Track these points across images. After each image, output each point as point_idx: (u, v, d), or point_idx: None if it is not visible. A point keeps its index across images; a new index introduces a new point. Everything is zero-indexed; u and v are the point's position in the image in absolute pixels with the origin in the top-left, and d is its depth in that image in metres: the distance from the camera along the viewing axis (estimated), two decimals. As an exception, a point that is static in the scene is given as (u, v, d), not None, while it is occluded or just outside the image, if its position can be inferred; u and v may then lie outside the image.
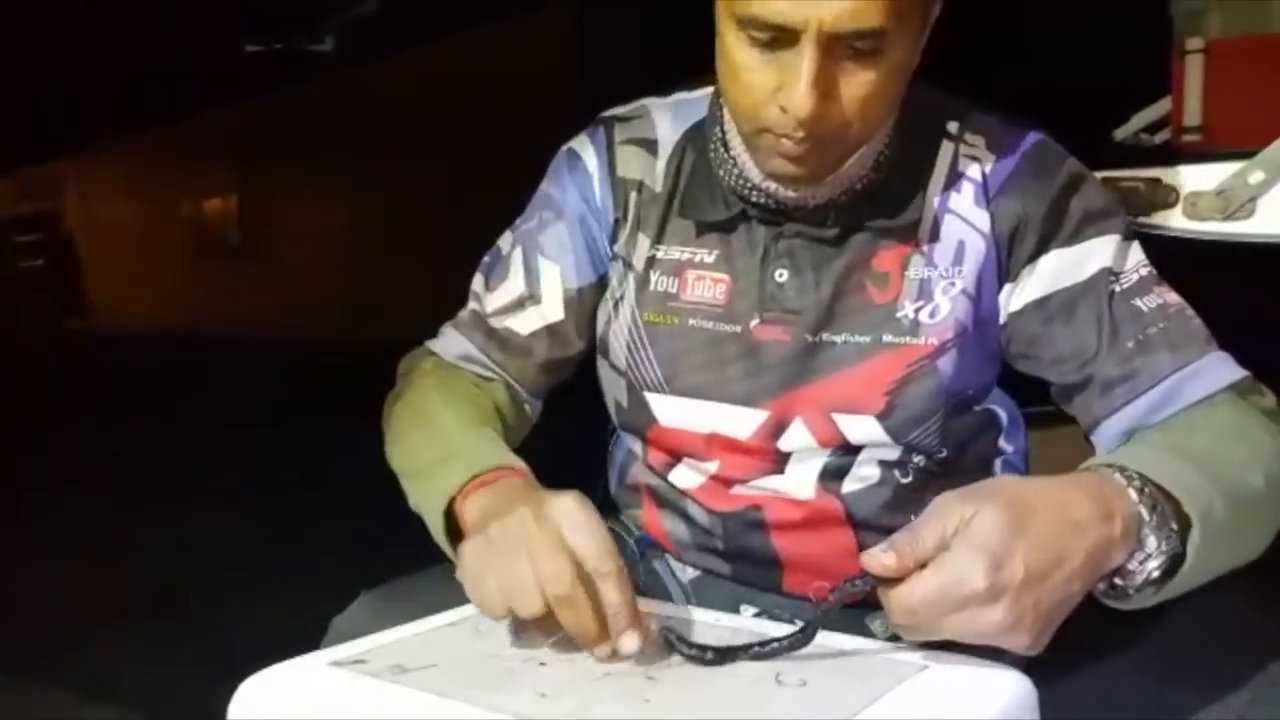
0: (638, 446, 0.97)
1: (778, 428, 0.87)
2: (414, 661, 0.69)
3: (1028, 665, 0.71)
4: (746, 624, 0.80)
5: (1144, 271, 0.84)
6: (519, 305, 0.95)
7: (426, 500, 0.82)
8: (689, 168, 0.92)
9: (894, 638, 0.92)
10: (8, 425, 5.42)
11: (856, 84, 0.75)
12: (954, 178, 0.86)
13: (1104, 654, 0.75)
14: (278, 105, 10.22)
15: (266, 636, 0.90)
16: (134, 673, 2.19)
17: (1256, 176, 1.21)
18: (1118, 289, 0.83)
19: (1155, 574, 0.66)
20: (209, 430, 5.21)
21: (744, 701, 0.63)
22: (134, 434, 5.21)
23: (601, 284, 0.96)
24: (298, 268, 11.14)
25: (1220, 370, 0.81)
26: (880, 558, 0.65)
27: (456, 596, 0.84)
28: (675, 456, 0.93)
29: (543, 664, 0.69)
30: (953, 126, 0.88)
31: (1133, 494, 0.66)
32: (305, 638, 0.84)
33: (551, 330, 0.95)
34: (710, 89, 0.92)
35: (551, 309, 0.95)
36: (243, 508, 3.55)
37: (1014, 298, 0.86)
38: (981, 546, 0.62)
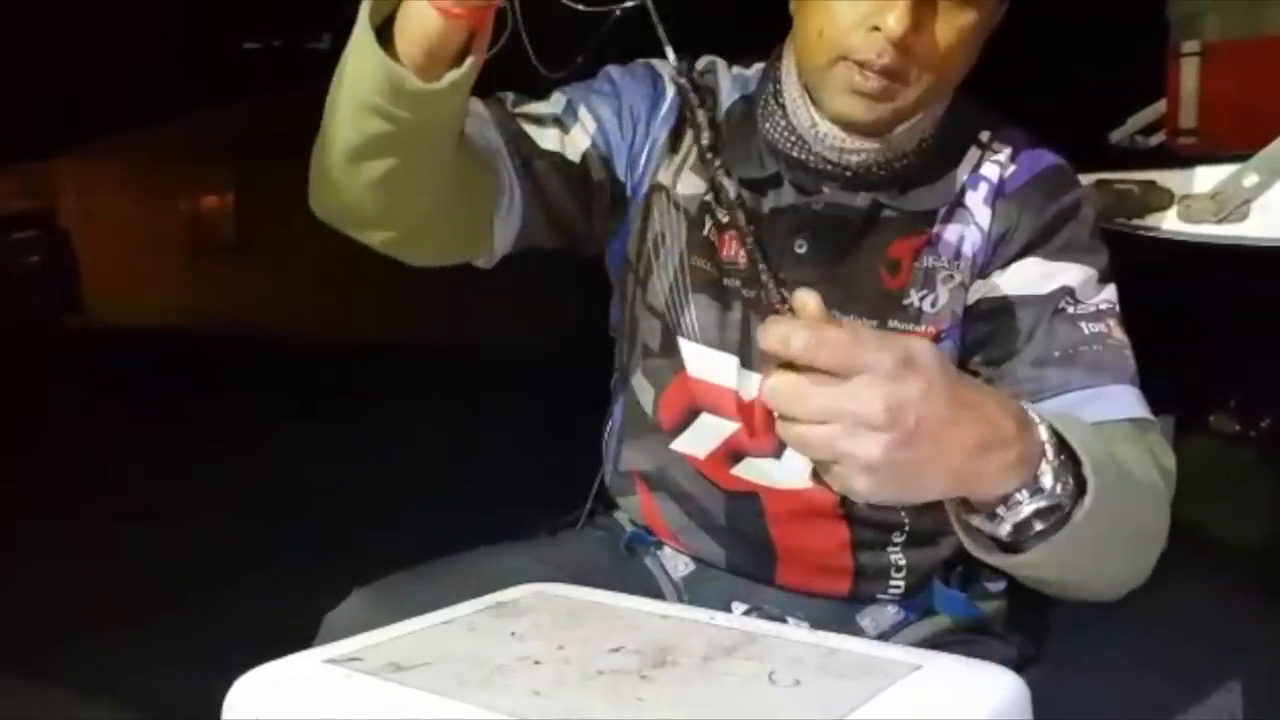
0: (649, 403, 0.96)
1: None
2: (408, 659, 0.70)
3: (1020, 664, 0.71)
4: (738, 622, 0.80)
5: (1104, 306, 0.85)
6: (546, 122, 0.90)
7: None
8: (735, 125, 0.94)
9: (883, 635, 0.93)
10: (3, 422, 5.42)
11: (944, 27, 0.79)
12: (975, 179, 0.90)
13: (1095, 654, 0.75)
14: (275, 103, 10.20)
15: (262, 635, 0.90)
16: (130, 671, 2.19)
17: (1251, 179, 1.21)
18: (1069, 310, 0.84)
19: (1040, 509, 0.62)
20: (205, 428, 5.21)
21: (737, 701, 0.64)
22: (130, 431, 5.21)
23: (614, 182, 0.93)
24: (295, 266, 11.12)
25: (1127, 402, 0.81)
26: (808, 300, 0.57)
27: (450, 592, 0.85)
28: (693, 413, 0.93)
29: (537, 662, 0.69)
30: (984, 135, 0.92)
31: (1043, 431, 0.63)
32: (300, 636, 0.85)
33: (560, 165, 0.89)
34: (760, 65, 0.95)
35: (573, 147, 0.91)
36: (239, 506, 3.55)
37: (977, 292, 0.88)
38: (898, 379, 0.55)
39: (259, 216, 11.74)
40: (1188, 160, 1.34)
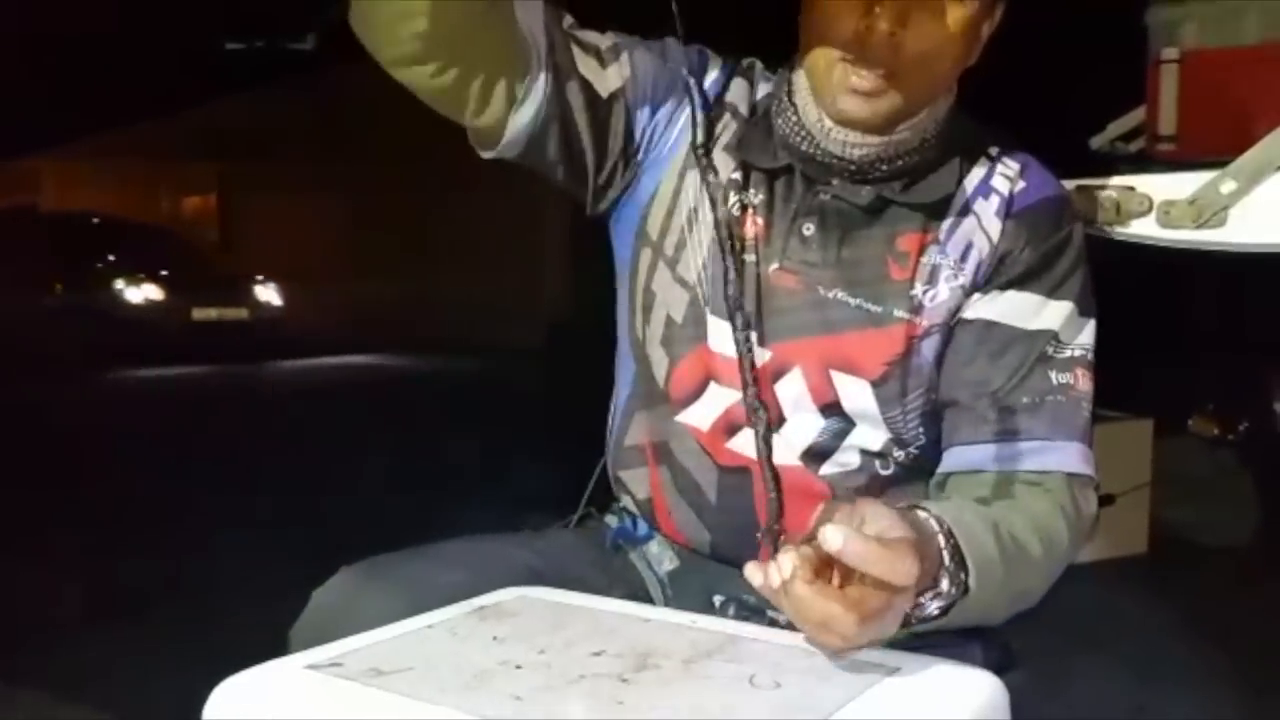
0: (661, 375, 0.98)
1: (778, 371, 0.93)
2: (390, 664, 0.70)
3: (999, 666, 0.72)
4: (719, 625, 0.80)
5: (1078, 353, 0.91)
6: (590, 51, 0.94)
7: None
8: (759, 121, 0.98)
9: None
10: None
11: (933, 27, 0.84)
12: (985, 187, 0.94)
13: (1075, 655, 0.76)
14: (258, 104, 10.17)
15: (242, 638, 0.90)
16: (109, 675, 2.18)
17: (1229, 186, 1.21)
18: (1050, 353, 0.90)
19: (936, 611, 0.75)
20: (184, 429, 5.18)
21: (717, 704, 0.64)
22: (108, 433, 5.18)
23: (629, 136, 0.96)
24: (276, 267, 11.08)
25: (1069, 458, 0.89)
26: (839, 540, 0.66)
27: (435, 573, 0.85)
28: (704, 385, 0.95)
29: (518, 667, 0.69)
30: (993, 150, 0.96)
31: (941, 542, 0.75)
32: (281, 641, 0.84)
33: (586, 92, 0.93)
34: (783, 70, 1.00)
35: (603, 83, 0.94)
36: (218, 508, 3.53)
37: (973, 307, 0.92)
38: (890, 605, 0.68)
39: (241, 218, 11.69)
40: (1167, 166, 1.35)
